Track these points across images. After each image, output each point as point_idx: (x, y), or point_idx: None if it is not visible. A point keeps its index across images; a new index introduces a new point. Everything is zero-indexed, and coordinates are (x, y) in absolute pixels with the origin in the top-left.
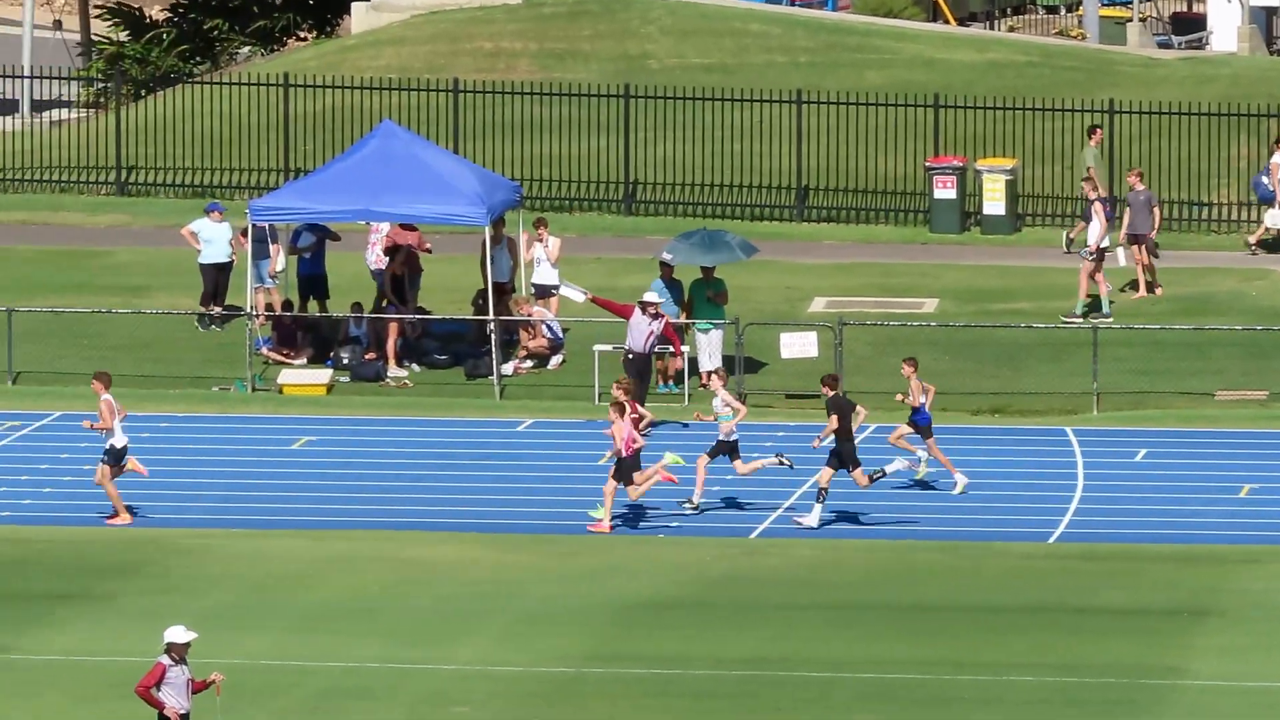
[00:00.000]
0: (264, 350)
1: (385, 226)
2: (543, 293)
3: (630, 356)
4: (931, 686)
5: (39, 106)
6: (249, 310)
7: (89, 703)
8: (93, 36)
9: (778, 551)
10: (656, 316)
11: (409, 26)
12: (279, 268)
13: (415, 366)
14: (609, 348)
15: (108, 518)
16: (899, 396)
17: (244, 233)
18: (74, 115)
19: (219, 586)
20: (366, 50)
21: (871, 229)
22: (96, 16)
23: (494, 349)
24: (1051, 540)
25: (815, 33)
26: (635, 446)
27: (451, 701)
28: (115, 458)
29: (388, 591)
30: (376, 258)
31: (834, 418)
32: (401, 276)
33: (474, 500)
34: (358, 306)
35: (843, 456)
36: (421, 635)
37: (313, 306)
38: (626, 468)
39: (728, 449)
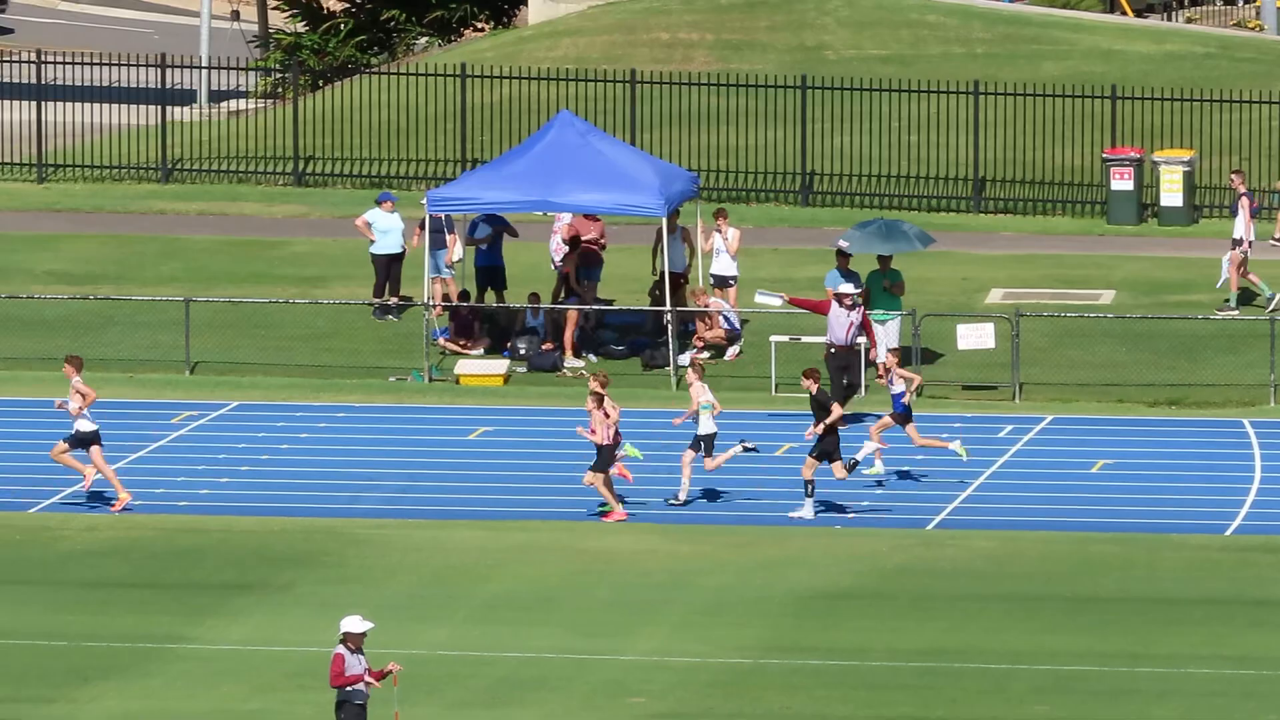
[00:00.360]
0: (441, 341)
1: (567, 216)
2: (721, 283)
3: (833, 350)
4: (1108, 679)
5: (217, 97)
6: (426, 301)
7: (266, 692)
8: (270, 28)
9: (955, 543)
10: (854, 307)
11: (586, 18)
12: (456, 258)
13: (592, 357)
14: (785, 339)
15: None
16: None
17: (421, 224)
18: (251, 106)
19: (396, 577)
20: (543, 41)
21: (1048, 220)
22: (274, 8)
23: (670, 339)
24: (1228, 532)
25: (992, 24)
26: (612, 436)
27: (628, 692)
28: (79, 441)
29: (565, 582)
30: (557, 246)
31: (835, 405)
32: (575, 270)
33: (652, 491)
34: (534, 297)
35: (824, 448)
36: (599, 625)
37: (490, 297)
38: (607, 456)
39: (705, 443)
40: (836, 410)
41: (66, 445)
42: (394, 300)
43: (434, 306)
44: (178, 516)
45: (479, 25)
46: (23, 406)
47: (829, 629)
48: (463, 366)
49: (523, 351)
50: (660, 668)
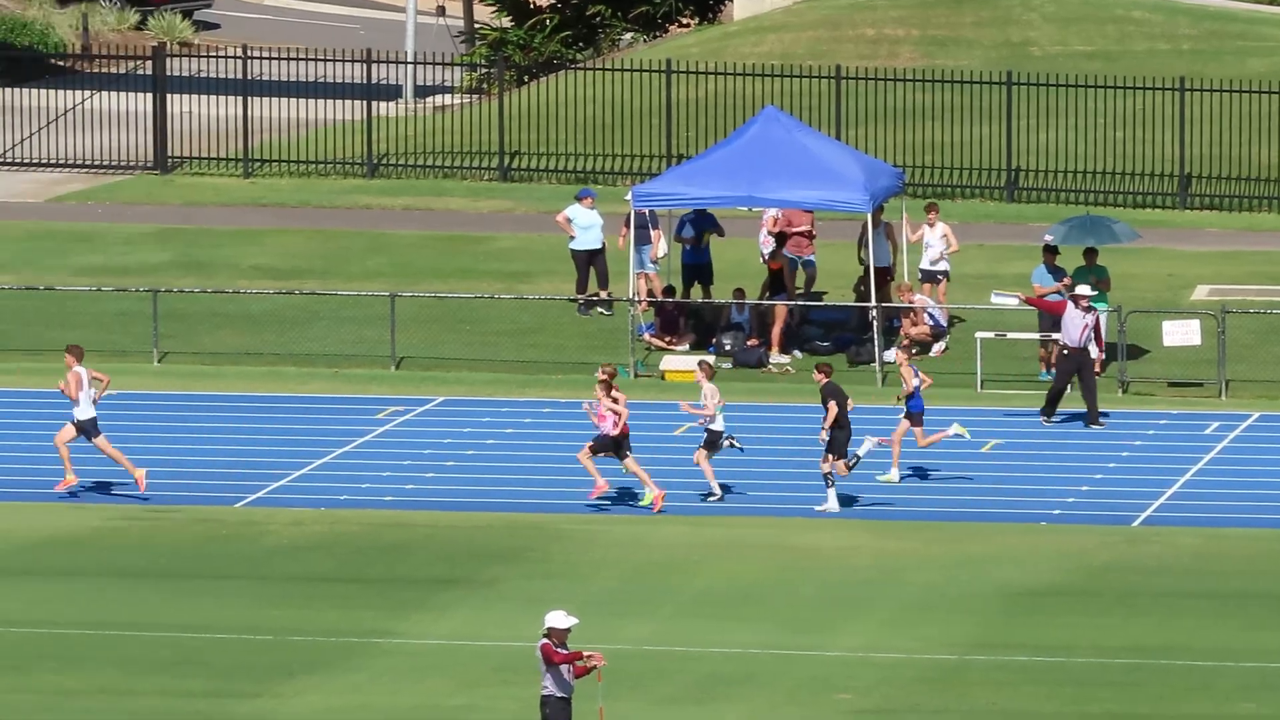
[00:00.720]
0: (646, 336)
1: (773, 211)
2: (929, 278)
3: (1066, 352)
4: None
5: (422, 92)
6: (631, 296)
7: (471, 688)
8: (475, 23)
9: (1160, 540)
10: (1089, 309)
11: (791, 13)
12: (661, 253)
13: (798, 353)
14: (991, 335)
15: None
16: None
17: (626, 220)
18: (457, 101)
19: (601, 572)
20: (748, 36)
21: (1255, 217)
22: (480, 3)
23: (876, 335)
24: None
25: (1198, 20)
26: (620, 426)
27: (834, 688)
28: (78, 428)
29: (770, 577)
30: (764, 240)
31: (833, 404)
32: (781, 268)
33: (857, 487)
34: (740, 292)
35: (833, 443)
36: (804, 621)
37: (696, 292)
38: (616, 443)
39: (712, 439)
40: (833, 409)
41: (70, 429)
42: (605, 294)
43: (639, 302)
44: (383, 511)
45: (684, 21)
46: (229, 401)
47: (1035, 626)
48: (668, 362)
49: (728, 347)
50: (866, 664)
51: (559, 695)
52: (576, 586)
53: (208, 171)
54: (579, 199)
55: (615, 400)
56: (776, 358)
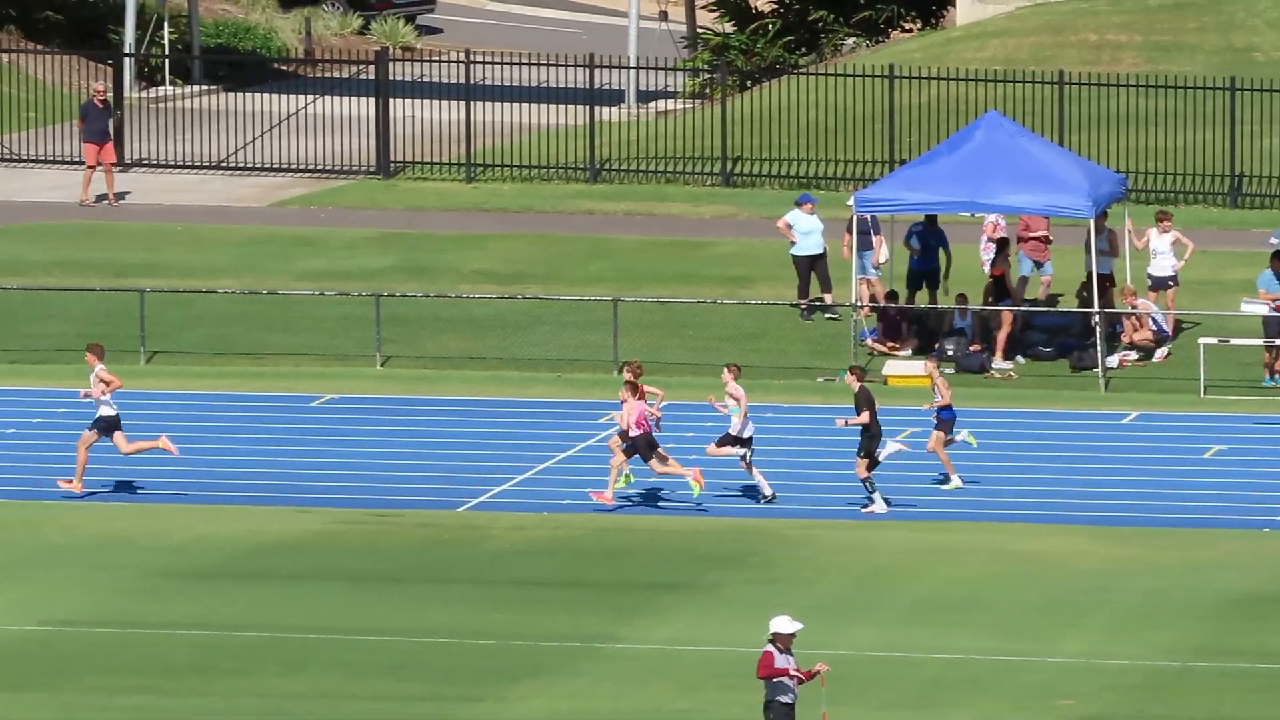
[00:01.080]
0: (869, 341)
1: (993, 217)
2: (1158, 285)
3: None
4: None
5: (645, 97)
6: (853, 301)
7: (694, 692)
8: (698, 28)
9: None
10: None
11: (1014, 19)
12: (883, 259)
13: (1020, 359)
14: (1214, 341)
15: (62, 480)
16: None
17: (849, 226)
18: (679, 106)
19: (824, 577)
20: (971, 42)
21: None
22: (702, 8)
23: (1098, 341)
24: None
25: None
26: (646, 426)
27: (1058, 694)
28: (104, 427)
29: (993, 583)
30: (985, 246)
31: (865, 413)
32: (1002, 275)
33: (1079, 492)
34: (962, 298)
35: (861, 440)
36: (1027, 627)
37: (921, 298)
38: (641, 445)
39: (737, 441)
40: (864, 416)
41: (95, 434)
42: (829, 299)
43: (861, 307)
44: (606, 516)
45: (906, 26)
46: (451, 406)
47: (1258, 632)
48: (891, 367)
49: (950, 353)
50: (1090, 670)
51: (783, 700)
52: (799, 591)
53: (430, 176)
54: (799, 204)
55: (643, 398)
56: (999, 363)
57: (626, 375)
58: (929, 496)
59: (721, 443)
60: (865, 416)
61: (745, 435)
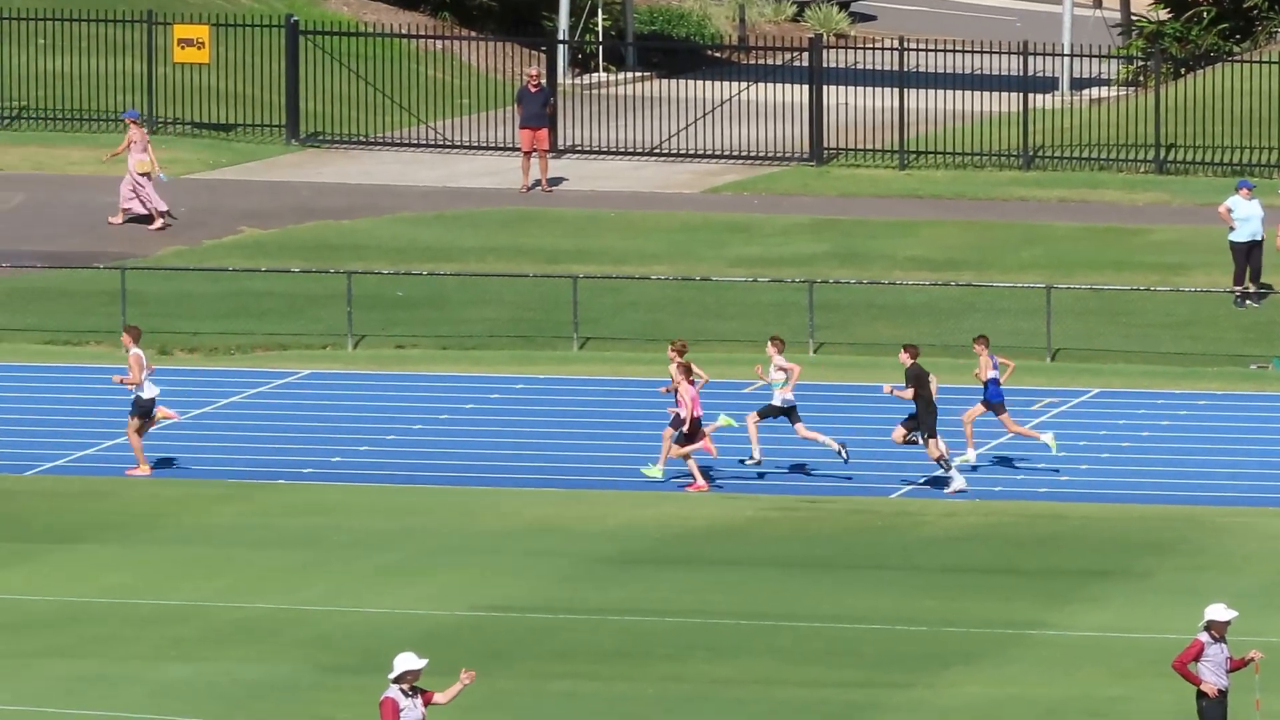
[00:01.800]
0: None
1: None
2: None
3: None
4: None
5: (1078, 84)
6: None
7: (1125, 679)
8: (1132, 15)
9: None
10: None
11: None
12: None
13: None
14: None
15: (128, 469)
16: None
17: None
18: (1113, 93)
19: (1254, 565)
20: None
21: None
22: None
23: None
24: None
25: None
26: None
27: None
28: (143, 411)
29: None
30: None
31: (910, 389)
32: None
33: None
34: None
35: (920, 420)
36: None
37: None
38: (695, 426)
39: (783, 412)
40: (908, 393)
41: (137, 421)
42: (1253, 287)
43: None
44: (1038, 503)
45: None
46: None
47: None
48: None
49: None
50: None
51: (1217, 688)
52: (1230, 579)
53: (863, 163)
54: (1238, 190)
55: (693, 384)
56: None
57: (674, 357)
58: None
59: (792, 419)
60: (909, 393)
61: (786, 404)
